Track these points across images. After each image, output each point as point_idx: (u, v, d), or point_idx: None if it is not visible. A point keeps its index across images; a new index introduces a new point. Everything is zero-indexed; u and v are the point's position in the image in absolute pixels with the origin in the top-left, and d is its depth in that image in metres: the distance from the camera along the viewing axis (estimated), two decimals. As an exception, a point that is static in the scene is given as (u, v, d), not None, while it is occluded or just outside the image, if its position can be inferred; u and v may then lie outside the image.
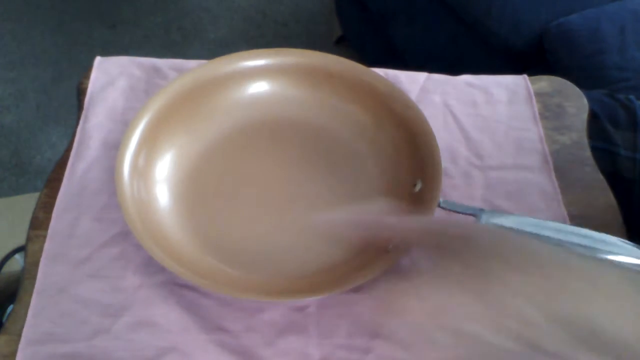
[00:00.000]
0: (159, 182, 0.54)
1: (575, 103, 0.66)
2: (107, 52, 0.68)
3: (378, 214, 0.41)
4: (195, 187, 0.56)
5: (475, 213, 0.49)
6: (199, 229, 0.53)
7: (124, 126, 0.58)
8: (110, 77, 0.63)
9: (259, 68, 0.60)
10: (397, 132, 0.57)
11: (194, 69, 0.58)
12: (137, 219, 0.48)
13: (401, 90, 0.58)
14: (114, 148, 0.56)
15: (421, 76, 0.67)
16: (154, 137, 0.54)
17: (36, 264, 0.50)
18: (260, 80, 0.61)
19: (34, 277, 0.50)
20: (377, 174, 0.57)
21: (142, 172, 0.53)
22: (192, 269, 0.47)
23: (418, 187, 0.53)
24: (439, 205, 0.49)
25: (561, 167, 0.60)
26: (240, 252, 0.52)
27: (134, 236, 0.47)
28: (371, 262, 0.48)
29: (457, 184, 0.58)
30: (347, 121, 0.60)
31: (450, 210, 0.50)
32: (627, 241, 0.46)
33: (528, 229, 0.48)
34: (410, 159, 0.55)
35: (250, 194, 0.56)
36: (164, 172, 0.55)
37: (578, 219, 0.56)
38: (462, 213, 0.50)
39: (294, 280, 0.50)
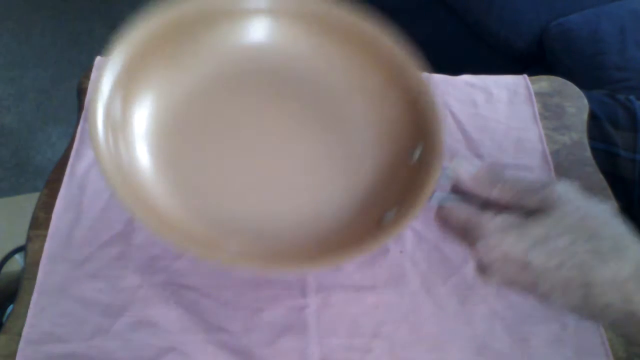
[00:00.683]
0: (138, 137, 0.48)
1: (575, 103, 0.66)
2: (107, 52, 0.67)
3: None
4: (177, 142, 0.49)
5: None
6: (184, 190, 0.47)
7: (124, 126, 0.57)
8: (110, 77, 0.63)
9: (254, 8, 0.52)
10: (396, 92, 0.52)
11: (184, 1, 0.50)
12: (119, 182, 0.42)
13: (404, 49, 0.52)
14: (114, 148, 0.55)
15: (421, 76, 0.67)
16: (130, 81, 0.47)
17: (36, 264, 0.50)
18: (255, 20, 0.53)
19: (34, 277, 0.50)
20: (373, 134, 0.52)
21: (120, 125, 0.46)
22: (180, 235, 0.43)
23: (417, 153, 0.48)
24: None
25: (561, 167, 0.60)
26: (227, 214, 0.47)
27: (116, 196, 0.41)
28: (364, 235, 0.43)
29: (457, 184, 0.58)
30: (345, 74, 0.54)
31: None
32: None
33: None
34: (409, 120, 0.50)
35: (237, 150, 0.50)
36: (143, 125, 0.48)
37: (578, 219, 0.56)
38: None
39: (283, 247, 0.45)
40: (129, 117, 0.47)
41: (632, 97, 0.71)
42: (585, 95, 0.67)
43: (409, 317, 0.50)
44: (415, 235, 0.55)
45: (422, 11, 1.36)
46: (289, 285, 0.51)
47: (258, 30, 0.53)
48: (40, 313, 0.48)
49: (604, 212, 0.39)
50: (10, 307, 0.50)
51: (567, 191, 0.39)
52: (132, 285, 0.50)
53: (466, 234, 0.40)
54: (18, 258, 1.03)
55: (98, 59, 0.65)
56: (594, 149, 0.63)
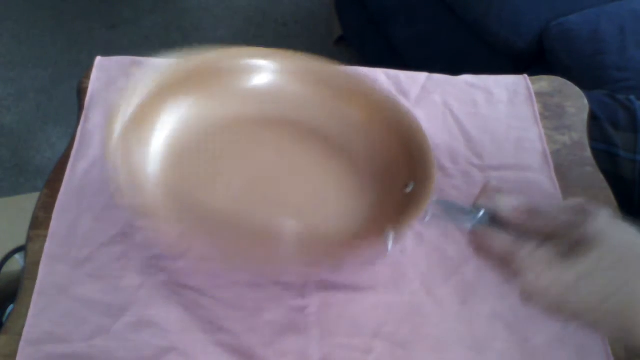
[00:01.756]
0: (153, 148, 0.52)
1: (576, 103, 0.66)
2: (107, 52, 0.68)
3: None
4: (186, 164, 0.53)
5: (467, 213, 0.47)
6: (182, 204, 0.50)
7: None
8: (111, 77, 0.63)
9: (264, 66, 0.60)
10: (391, 136, 0.56)
11: (207, 54, 0.59)
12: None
13: (395, 97, 0.58)
14: (115, 148, 0.56)
15: (421, 76, 0.67)
16: (158, 105, 0.53)
17: (36, 264, 0.50)
18: (263, 73, 0.60)
19: (34, 277, 0.50)
20: (370, 173, 0.56)
21: (140, 132, 0.50)
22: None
23: (410, 188, 0.52)
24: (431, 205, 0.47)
25: (561, 167, 0.61)
26: (231, 221, 0.50)
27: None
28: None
29: (457, 183, 0.58)
30: (343, 122, 0.60)
31: (445, 208, 0.46)
32: None
33: None
34: (404, 161, 0.55)
35: (241, 184, 0.54)
36: (160, 140, 0.53)
37: (578, 219, 0.56)
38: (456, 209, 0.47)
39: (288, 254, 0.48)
40: (150, 130, 0.52)
41: (632, 97, 0.71)
42: (585, 95, 0.67)
43: (410, 317, 0.50)
44: (415, 236, 0.55)
45: (422, 11, 1.36)
46: (289, 286, 0.51)
47: (263, 79, 0.61)
48: (40, 313, 0.48)
49: None
50: (11, 307, 0.50)
51: (608, 223, 0.39)
52: (132, 285, 0.50)
53: (504, 264, 0.40)
54: (18, 258, 1.03)
55: (98, 58, 0.65)
56: (594, 149, 0.63)
